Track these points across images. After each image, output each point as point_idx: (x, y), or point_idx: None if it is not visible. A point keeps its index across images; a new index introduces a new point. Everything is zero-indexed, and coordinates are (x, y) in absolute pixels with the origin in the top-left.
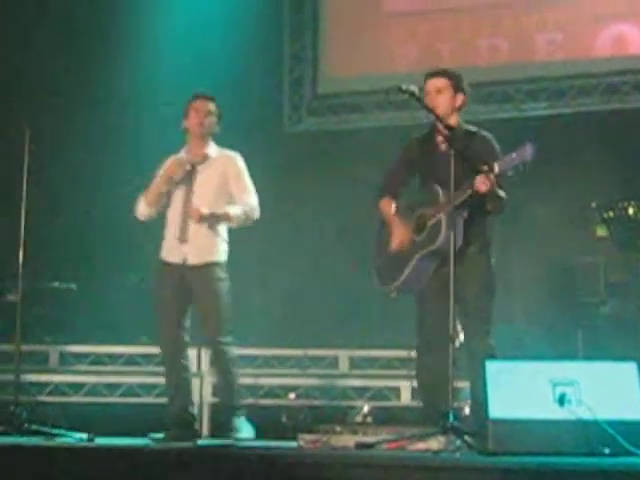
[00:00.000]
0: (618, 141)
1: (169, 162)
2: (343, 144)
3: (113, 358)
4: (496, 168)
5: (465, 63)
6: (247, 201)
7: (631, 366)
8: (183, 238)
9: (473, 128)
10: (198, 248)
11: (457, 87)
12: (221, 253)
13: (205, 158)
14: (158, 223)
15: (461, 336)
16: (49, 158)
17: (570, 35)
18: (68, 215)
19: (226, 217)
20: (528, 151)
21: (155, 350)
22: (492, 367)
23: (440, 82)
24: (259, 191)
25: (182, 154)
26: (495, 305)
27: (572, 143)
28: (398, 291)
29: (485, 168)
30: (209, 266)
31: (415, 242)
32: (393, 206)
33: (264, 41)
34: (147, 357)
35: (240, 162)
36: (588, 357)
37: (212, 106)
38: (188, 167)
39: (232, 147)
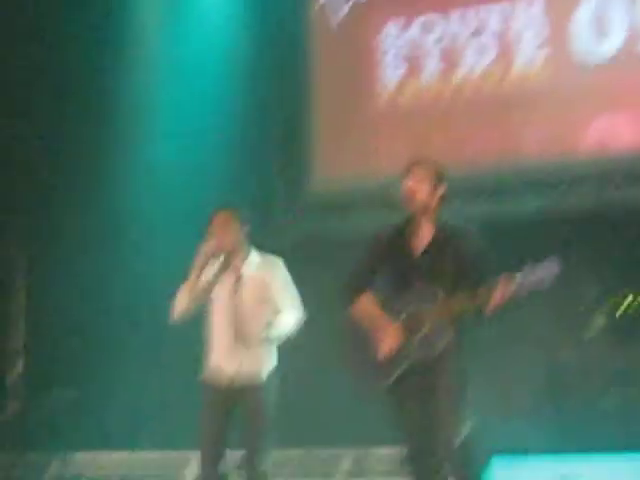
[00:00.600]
0: (608, 236)
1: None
2: (334, 244)
3: (117, 464)
4: (515, 282)
5: (455, 160)
6: (290, 309)
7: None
8: (233, 358)
9: (456, 223)
10: (249, 368)
11: (439, 178)
12: (270, 372)
13: (243, 273)
14: (152, 331)
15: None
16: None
17: (559, 130)
18: (69, 321)
19: (276, 337)
20: (551, 269)
21: (153, 455)
22: (498, 463)
23: (421, 173)
24: None
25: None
26: (486, 396)
27: (562, 239)
28: (379, 393)
29: (505, 278)
30: (259, 388)
31: (405, 347)
32: (371, 304)
33: (256, 141)
34: (147, 462)
35: (281, 273)
36: (592, 450)
37: (227, 215)
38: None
39: None
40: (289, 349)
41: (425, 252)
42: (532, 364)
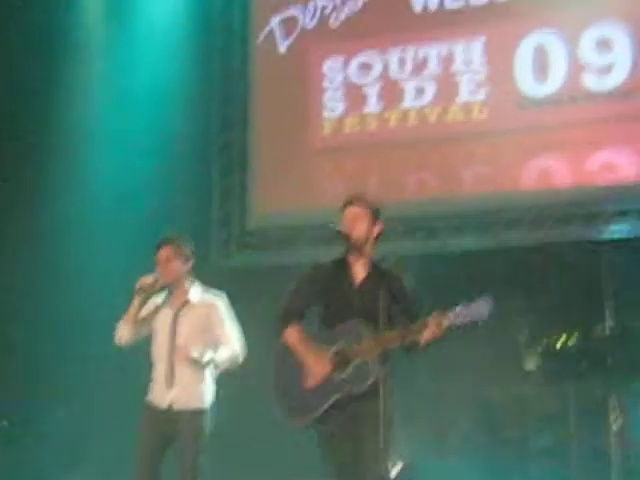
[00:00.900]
0: (543, 275)
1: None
2: (272, 279)
3: None
4: (446, 321)
5: (392, 197)
6: (231, 345)
7: None
8: (169, 383)
9: (385, 267)
10: (185, 394)
11: (375, 216)
12: (208, 397)
13: (185, 304)
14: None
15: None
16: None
17: (496, 169)
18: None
19: (212, 362)
20: (485, 307)
21: None
22: None
23: (358, 210)
24: None
25: (164, 299)
26: (422, 436)
27: (498, 277)
28: (305, 425)
29: (437, 315)
30: (196, 414)
31: (335, 380)
32: (303, 336)
33: (193, 176)
34: None
35: (222, 307)
36: None
37: (170, 251)
38: (159, 284)
39: None
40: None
41: (359, 288)
42: (465, 403)
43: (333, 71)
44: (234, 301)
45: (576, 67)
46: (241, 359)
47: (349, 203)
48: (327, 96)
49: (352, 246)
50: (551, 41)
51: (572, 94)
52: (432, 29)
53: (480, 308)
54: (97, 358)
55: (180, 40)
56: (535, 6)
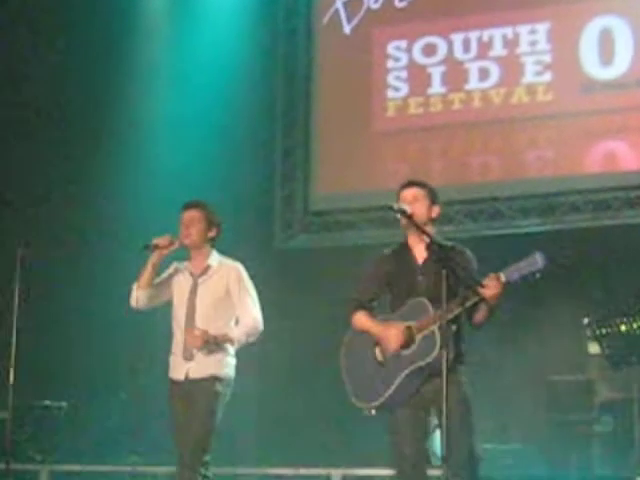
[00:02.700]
0: (609, 258)
1: (159, 239)
2: (335, 261)
3: (104, 477)
4: (503, 277)
5: (456, 180)
6: (250, 315)
7: None
8: (187, 356)
9: (449, 242)
10: (202, 364)
11: (433, 198)
12: (225, 367)
13: (205, 270)
14: (148, 344)
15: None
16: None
17: (560, 152)
18: (58, 332)
19: (228, 340)
20: (538, 260)
21: (144, 469)
22: None
23: (416, 191)
24: None
25: (184, 265)
26: (485, 422)
27: (563, 260)
28: (380, 408)
29: (493, 275)
30: (209, 380)
31: (402, 356)
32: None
33: (257, 159)
34: (137, 477)
35: (242, 273)
36: (581, 477)
37: (197, 214)
38: (177, 245)
39: None
40: (285, 363)
41: (422, 269)
42: (529, 385)
43: (398, 52)
44: (297, 280)
45: None
46: (260, 328)
47: (407, 185)
48: (392, 77)
49: (413, 225)
50: (617, 25)
51: (638, 77)
52: (497, 12)
53: (533, 260)
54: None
55: (245, 21)
56: None
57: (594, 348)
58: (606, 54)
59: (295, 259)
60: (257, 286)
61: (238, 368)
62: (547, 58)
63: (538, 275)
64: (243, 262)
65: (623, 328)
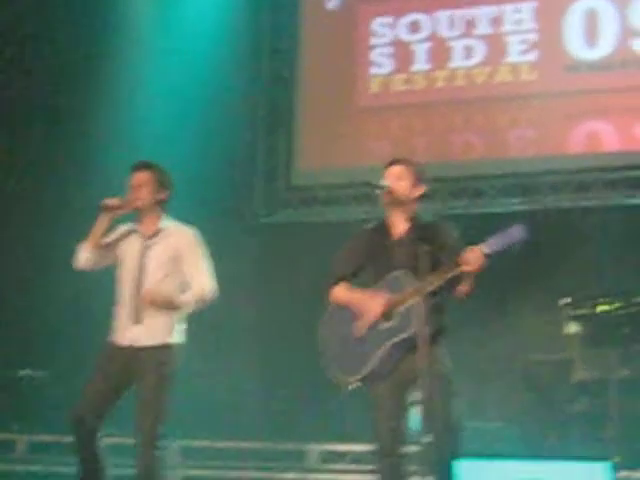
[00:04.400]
0: (589, 238)
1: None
2: (316, 237)
3: None
4: (484, 248)
5: (439, 158)
6: (200, 281)
7: (599, 466)
8: (137, 320)
9: (431, 219)
10: (150, 329)
11: (418, 177)
12: (175, 333)
13: (156, 232)
14: None
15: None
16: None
17: (543, 132)
18: (37, 298)
19: (175, 306)
20: (517, 232)
21: (129, 441)
22: (460, 466)
23: (401, 169)
24: (230, 281)
25: (134, 227)
26: (463, 401)
27: (543, 240)
28: (361, 382)
29: (473, 248)
30: (159, 348)
31: (381, 330)
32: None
33: (239, 133)
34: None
35: (195, 237)
36: (557, 456)
37: (146, 175)
38: (127, 207)
39: (204, 237)
40: (264, 337)
41: (399, 241)
42: (506, 364)
43: (382, 28)
44: (279, 256)
45: (627, 32)
46: (211, 295)
47: (393, 162)
48: (376, 53)
49: (394, 202)
50: (602, 5)
51: (623, 59)
52: None
53: (513, 232)
54: None
55: None
56: None
57: (572, 328)
58: (591, 35)
59: (277, 234)
60: (238, 260)
61: (210, 340)
62: (532, 37)
63: (519, 246)
64: (224, 236)
65: (601, 308)
